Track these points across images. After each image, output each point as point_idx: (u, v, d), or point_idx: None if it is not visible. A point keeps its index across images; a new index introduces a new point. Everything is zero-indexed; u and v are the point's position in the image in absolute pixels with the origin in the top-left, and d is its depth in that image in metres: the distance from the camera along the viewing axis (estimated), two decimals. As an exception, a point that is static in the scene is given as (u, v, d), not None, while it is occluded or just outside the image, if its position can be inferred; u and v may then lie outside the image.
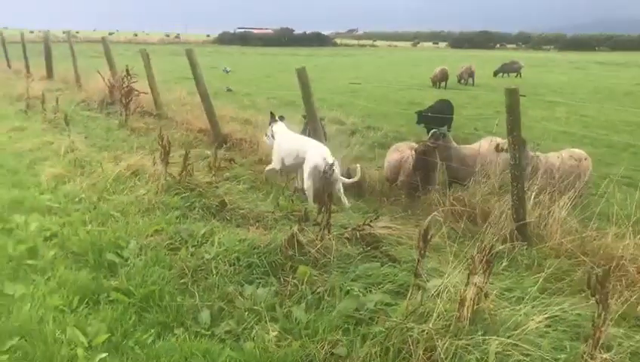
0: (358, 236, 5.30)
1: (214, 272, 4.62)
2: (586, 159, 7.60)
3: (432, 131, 8.32)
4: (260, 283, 4.51)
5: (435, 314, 3.66)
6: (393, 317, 3.88)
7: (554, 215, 5.50)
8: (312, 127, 7.55)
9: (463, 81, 28.27)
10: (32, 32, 62.53)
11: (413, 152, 6.39)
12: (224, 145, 9.75)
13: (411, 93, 20.54)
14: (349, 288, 4.28)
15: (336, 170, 6.26)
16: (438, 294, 3.93)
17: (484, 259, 3.54)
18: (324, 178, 5.82)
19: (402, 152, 6.86)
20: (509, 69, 34.16)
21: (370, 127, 12.66)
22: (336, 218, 5.79)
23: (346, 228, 5.48)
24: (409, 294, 3.92)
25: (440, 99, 13.27)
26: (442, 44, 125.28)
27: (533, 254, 5.18)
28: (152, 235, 5.44)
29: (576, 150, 7.88)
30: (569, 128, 14.12)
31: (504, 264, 4.95)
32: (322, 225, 4.87)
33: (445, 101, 13.11)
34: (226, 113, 12.58)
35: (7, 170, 7.99)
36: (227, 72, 29.29)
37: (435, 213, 4.79)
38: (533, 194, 5.78)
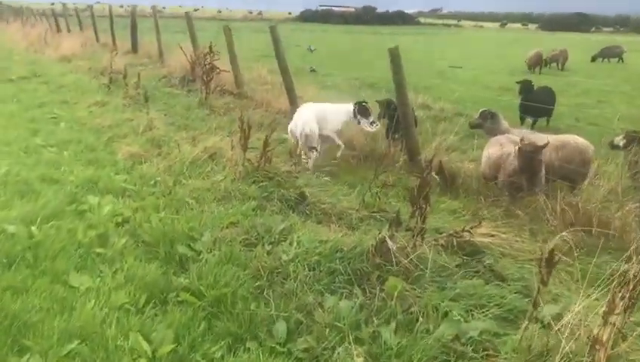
0: (455, 244, 4.65)
1: (292, 277, 4.13)
2: None
3: (480, 110, 7.98)
4: (342, 293, 3.98)
5: (558, 357, 3.00)
6: (502, 352, 3.25)
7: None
8: (402, 113, 6.88)
9: (556, 65, 26.44)
10: (121, 6, 64.64)
11: (517, 150, 5.60)
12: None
13: (502, 77, 19.26)
14: (447, 309, 3.67)
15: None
16: (559, 328, 3.26)
17: (628, 296, 2.82)
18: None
19: (503, 146, 6.08)
20: (610, 53, 31.63)
21: (459, 113, 11.77)
22: (429, 220, 5.16)
23: (440, 234, 4.85)
24: (523, 326, 3.27)
25: (542, 86, 12.12)
26: (532, 26, 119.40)
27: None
28: (227, 227, 5.02)
29: None
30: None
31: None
32: (415, 231, 4.25)
33: (547, 88, 11.97)
34: (307, 94, 12.07)
35: (85, 146, 7.86)
36: (312, 50, 28.38)
37: (565, 232, 4.04)
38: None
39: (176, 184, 6.22)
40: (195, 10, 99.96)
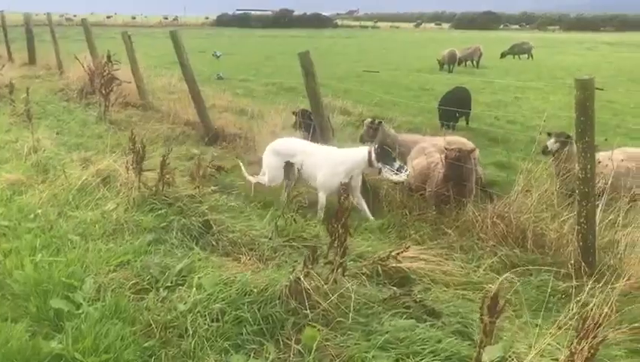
0: (381, 272, 4.09)
1: (191, 332, 3.41)
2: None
3: (366, 121, 7.63)
4: (252, 350, 3.30)
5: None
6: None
7: (631, 239, 4.27)
8: (318, 123, 6.28)
9: (470, 63, 26.83)
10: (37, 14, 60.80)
11: (444, 157, 5.13)
12: (216, 142, 8.50)
13: (421, 77, 19.19)
14: (374, 362, 3.08)
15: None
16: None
17: (589, 347, 2.31)
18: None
19: (430, 156, 5.60)
20: (520, 50, 32.62)
21: (378, 117, 11.35)
22: (353, 243, 4.58)
23: (364, 260, 4.28)
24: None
25: (456, 87, 11.90)
26: (445, 25, 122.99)
27: (609, 296, 3.95)
28: (114, 270, 4.22)
29: (631, 148, 6.63)
30: (599, 116, 12.79)
31: (573, 311, 3.74)
32: (335, 265, 3.64)
33: (462, 89, 11.74)
34: (219, 103, 11.33)
35: (-46, 177, 6.76)
36: (217, 56, 26.85)
37: (508, 274, 3.54)
38: (600, 210, 4.54)
39: (60, 216, 5.32)
40: (108, 17, 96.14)
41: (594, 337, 2.25)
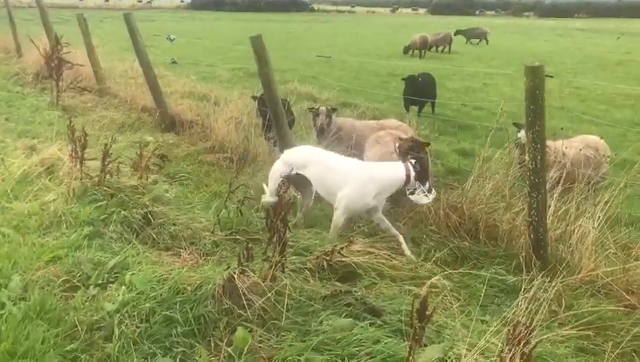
0: (326, 266, 3.92)
1: (118, 334, 3.20)
2: (603, 148, 6.28)
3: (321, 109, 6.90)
4: (182, 352, 3.11)
5: None
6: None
7: (583, 232, 4.16)
8: (272, 110, 6.06)
9: (441, 49, 26.69)
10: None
11: (397, 148, 4.96)
12: (173, 129, 8.23)
13: (391, 63, 19.00)
14: (308, 365, 2.91)
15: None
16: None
17: (521, 351, 2.17)
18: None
19: (385, 145, 5.42)
20: (472, 35, 32.38)
21: (346, 103, 11.18)
22: (297, 236, 4.41)
23: (309, 253, 4.11)
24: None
25: (421, 73, 11.70)
26: (421, 11, 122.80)
27: (559, 291, 3.84)
28: (45, 266, 3.98)
29: (591, 136, 6.56)
30: (565, 103, 12.80)
31: (522, 307, 3.62)
32: (273, 262, 3.46)
33: (427, 75, 11.55)
34: (181, 89, 11.02)
35: None
36: (172, 40, 25.90)
37: (437, 277, 3.38)
38: (554, 201, 4.43)
39: (-3, 208, 5.05)
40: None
41: (525, 343, 2.11)
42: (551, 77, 4.33)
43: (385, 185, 4.61)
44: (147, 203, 4.86)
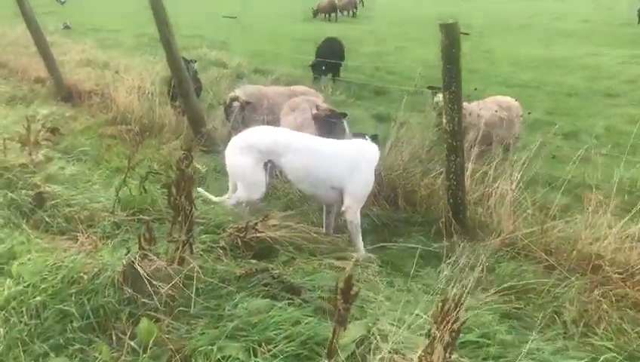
0: (240, 243, 3.65)
1: (2, 334, 2.81)
2: (516, 108, 6.33)
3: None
4: (79, 350, 2.76)
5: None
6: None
7: (500, 194, 4.12)
8: (177, 78, 5.62)
9: (347, 12, 26.21)
10: None
11: (313, 118, 4.71)
12: (70, 100, 7.58)
13: (305, 26, 18.63)
14: (221, 355, 2.66)
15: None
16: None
17: (450, 328, 2.01)
18: None
19: (302, 112, 5.16)
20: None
21: (258, 70, 10.78)
22: (208, 213, 4.10)
23: (221, 231, 3.82)
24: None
25: (327, 38, 11.31)
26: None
27: (480, 254, 3.78)
28: None
29: (504, 97, 6.60)
30: (475, 65, 13.00)
31: (445, 273, 3.52)
32: (179, 243, 3.14)
33: (333, 40, 11.17)
34: (81, 56, 10.22)
35: None
36: (62, 2, 23.77)
37: (356, 257, 3.17)
38: (471, 164, 4.35)
39: None
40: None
41: (454, 322, 1.95)
42: (466, 34, 4.23)
43: (377, 164, 4.11)
44: (38, 183, 4.38)
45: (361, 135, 4.18)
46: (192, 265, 3.12)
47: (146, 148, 5.84)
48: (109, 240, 3.73)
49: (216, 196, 4.31)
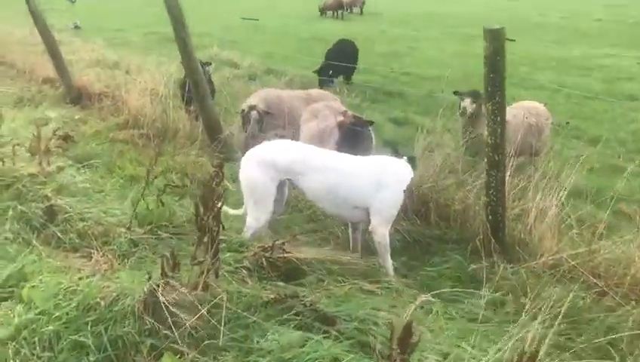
0: (265, 263, 3.41)
1: (12, 368, 2.57)
2: (545, 114, 6.06)
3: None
4: (94, 387, 2.53)
5: None
6: None
7: (541, 209, 3.86)
8: (192, 80, 5.38)
9: (354, 9, 25.64)
10: None
11: (338, 125, 4.45)
12: (79, 103, 7.34)
13: (313, 25, 18.36)
14: (253, 396, 2.42)
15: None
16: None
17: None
18: None
19: (324, 119, 4.90)
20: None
21: (270, 70, 10.53)
22: (230, 229, 3.86)
23: (245, 249, 3.58)
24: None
25: (340, 40, 10.82)
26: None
27: (523, 277, 3.53)
28: None
29: (531, 102, 6.32)
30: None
31: (486, 298, 3.27)
32: (205, 267, 2.90)
33: (346, 42, 10.69)
34: (90, 56, 10.00)
35: None
36: (73, 1, 23.67)
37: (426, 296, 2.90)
38: (509, 176, 4.09)
39: None
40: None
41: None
42: (512, 40, 3.94)
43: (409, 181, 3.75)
44: (49, 194, 4.13)
45: (398, 154, 3.87)
46: (218, 292, 2.87)
47: (161, 155, 5.60)
48: (126, 259, 3.49)
49: (233, 209, 4.07)
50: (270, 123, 5.94)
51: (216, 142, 5.51)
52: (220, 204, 2.84)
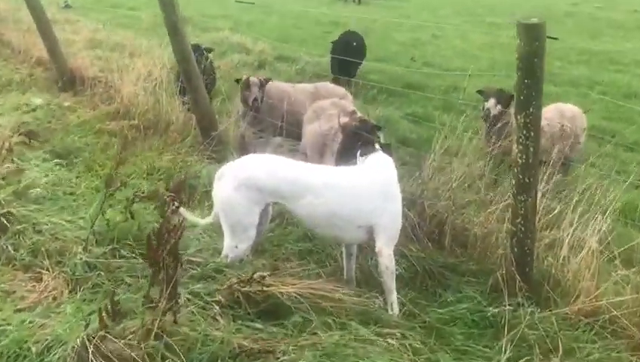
0: (242, 298, 2.84)
1: None
2: (582, 119, 5.38)
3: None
4: None
5: None
6: None
7: (576, 241, 3.23)
8: (185, 71, 4.80)
9: None
10: None
11: (341, 128, 3.84)
12: (72, 88, 6.81)
13: (334, 10, 17.59)
14: None
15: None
16: None
17: None
18: None
19: (328, 120, 4.29)
20: None
21: (282, 56, 9.89)
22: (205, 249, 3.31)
23: (220, 277, 3.02)
24: None
25: (345, 32, 9.27)
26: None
27: (554, 327, 2.91)
28: None
29: (566, 105, 5.64)
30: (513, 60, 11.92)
31: (507, 353, 2.67)
32: (159, 311, 2.34)
33: (351, 34, 9.09)
34: (89, 35, 9.47)
35: None
36: None
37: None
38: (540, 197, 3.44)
39: None
40: None
41: None
42: (555, 38, 3.32)
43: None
44: (5, 199, 3.60)
45: (371, 146, 3.29)
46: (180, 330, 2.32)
47: (147, 151, 5.06)
48: (80, 285, 2.95)
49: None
50: (271, 118, 5.37)
51: (209, 140, 4.94)
52: (177, 237, 2.27)
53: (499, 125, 5.02)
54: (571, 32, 16.17)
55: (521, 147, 2.84)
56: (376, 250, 3.13)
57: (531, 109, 2.76)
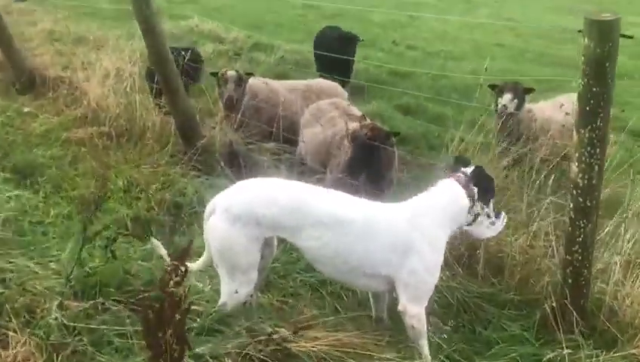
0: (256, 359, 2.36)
1: None
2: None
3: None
4: None
5: None
6: None
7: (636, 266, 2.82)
8: (161, 73, 4.23)
9: None
10: None
11: (351, 137, 3.35)
12: (32, 90, 6.15)
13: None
14: None
15: None
16: None
17: None
18: None
19: (330, 124, 3.80)
20: None
21: (258, 44, 9.28)
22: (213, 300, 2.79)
23: (225, 329, 2.53)
24: None
25: (325, 27, 8.01)
26: None
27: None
28: None
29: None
30: (500, 39, 11.58)
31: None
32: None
33: (334, 30, 7.75)
34: (48, 27, 8.74)
35: None
36: None
37: None
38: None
39: None
40: None
41: None
42: (630, 37, 2.82)
43: (453, 225, 2.66)
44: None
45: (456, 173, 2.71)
46: None
47: (122, 163, 4.48)
48: (55, 356, 2.41)
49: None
50: (258, 120, 4.86)
51: (193, 149, 4.38)
52: (183, 315, 1.76)
53: (510, 122, 4.63)
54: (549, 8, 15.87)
55: (583, 166, 2.40)
56: (399, 308, 2.62)
57: (599, 122, 2.31)
